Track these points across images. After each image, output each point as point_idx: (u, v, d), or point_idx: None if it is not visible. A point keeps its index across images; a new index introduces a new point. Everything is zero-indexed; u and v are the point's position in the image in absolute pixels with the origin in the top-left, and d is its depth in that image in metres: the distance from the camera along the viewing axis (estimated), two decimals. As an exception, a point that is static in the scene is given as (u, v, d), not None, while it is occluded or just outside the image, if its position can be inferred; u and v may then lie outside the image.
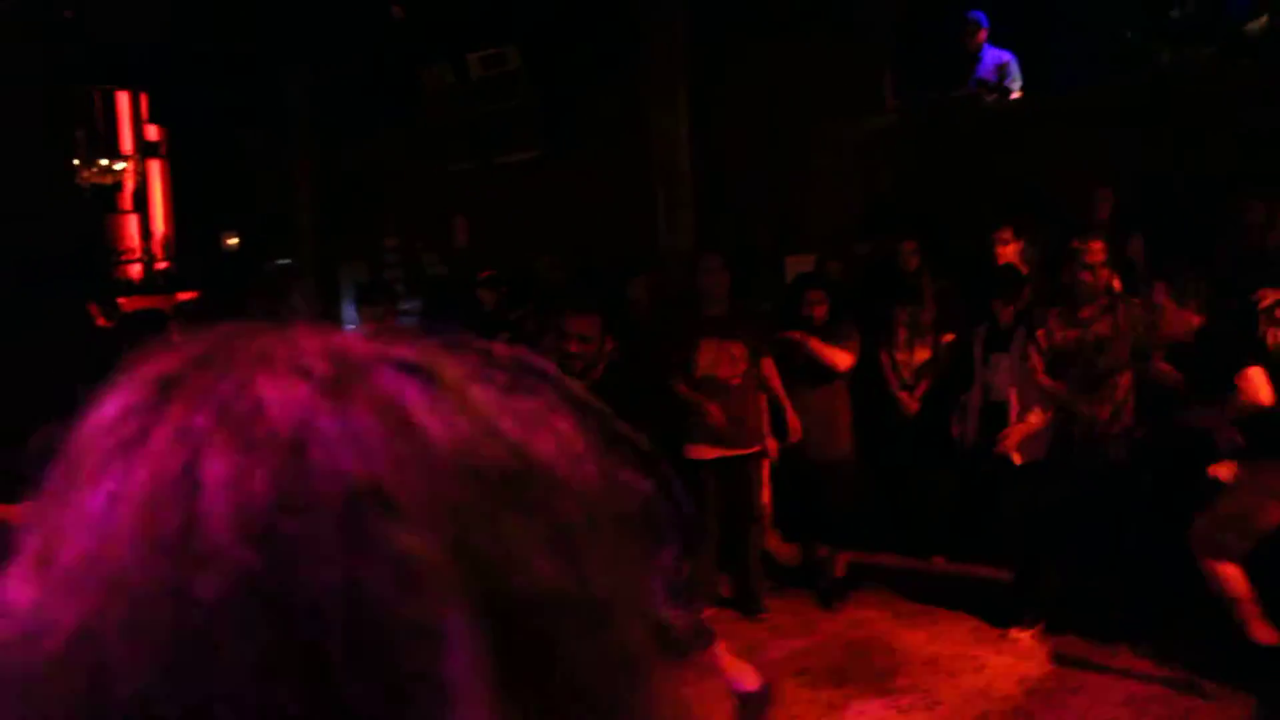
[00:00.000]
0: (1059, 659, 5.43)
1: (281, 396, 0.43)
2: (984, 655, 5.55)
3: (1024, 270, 6.99)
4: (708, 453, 5.98)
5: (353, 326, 5.01)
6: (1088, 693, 5.10)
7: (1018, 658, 5.51)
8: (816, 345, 6.23)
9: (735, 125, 8.66)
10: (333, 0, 9.89)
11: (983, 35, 8.89)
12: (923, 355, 6.90)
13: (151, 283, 13.52)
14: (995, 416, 6.26)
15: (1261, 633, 4.84)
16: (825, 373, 6.31)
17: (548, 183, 10.34)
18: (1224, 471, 5.08)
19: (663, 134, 7.61)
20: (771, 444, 6.20)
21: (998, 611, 5.85)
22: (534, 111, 10.61)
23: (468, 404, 0.46)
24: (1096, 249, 5.68)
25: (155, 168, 13.77)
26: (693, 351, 5.99)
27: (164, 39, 10.39)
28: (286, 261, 13.61)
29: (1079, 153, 7.69)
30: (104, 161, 12.68)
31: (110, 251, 13.31)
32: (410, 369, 0.46)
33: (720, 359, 5.98)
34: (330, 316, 12.00)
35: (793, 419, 6.13)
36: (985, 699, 5.10)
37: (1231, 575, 4.85)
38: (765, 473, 6.33)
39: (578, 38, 9.73)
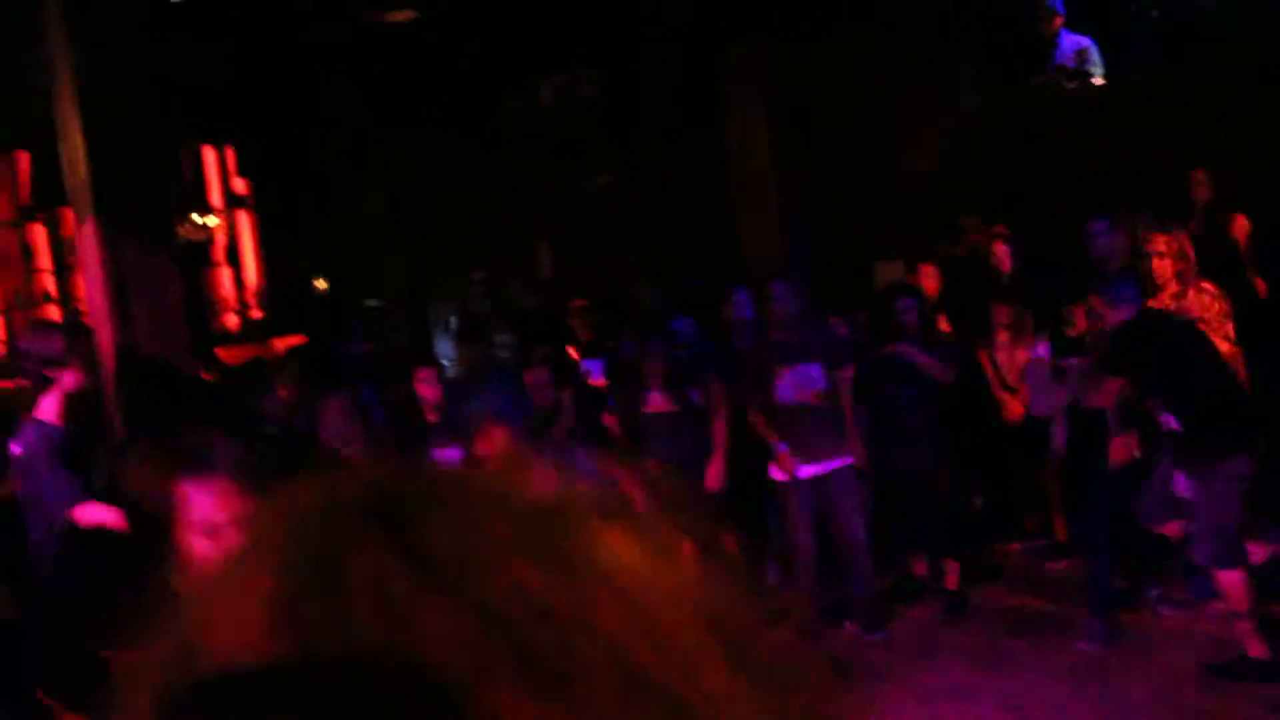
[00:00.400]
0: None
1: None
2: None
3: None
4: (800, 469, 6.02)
5: (449, 362, 5.07)
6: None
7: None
8: (920, 359, 6.18)
9: (814, 132, 8.59)
10: (409, 41, 10.02)
11: (1059, 22, 8.75)
12: (1024, 356, 6.77)
13: (248, 332, 13.79)
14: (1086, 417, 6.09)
15: (1255, 648, 4.97)
16: (920, 381, 6.24)
17: (629, 205, 10.36)
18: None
19: (742, 149, 7.58)
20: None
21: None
22: (611, 134, 10.65)
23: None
24: (1160, 240, 5.74)
25: (244, 219, 14.05)
26: (771, 380, 6.02)
27: (249, 92, 10.63)
28: (375, 302, 13.83)
29: (1169, 135, 7.51)
30: (196, 217, 12.96)
31: (208, 305, 13.60)
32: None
33: (798, 383, 6.00)
34: (422, 354, 12.16)
35: (855, 442, 6.11)
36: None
37: (1235, 585, 4.96)
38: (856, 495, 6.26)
39: (653, 60, 9.75)
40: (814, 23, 8.23)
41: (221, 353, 11.19)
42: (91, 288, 5.57)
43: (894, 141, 8.69)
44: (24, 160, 12.45)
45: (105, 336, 5.44)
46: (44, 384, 4.49)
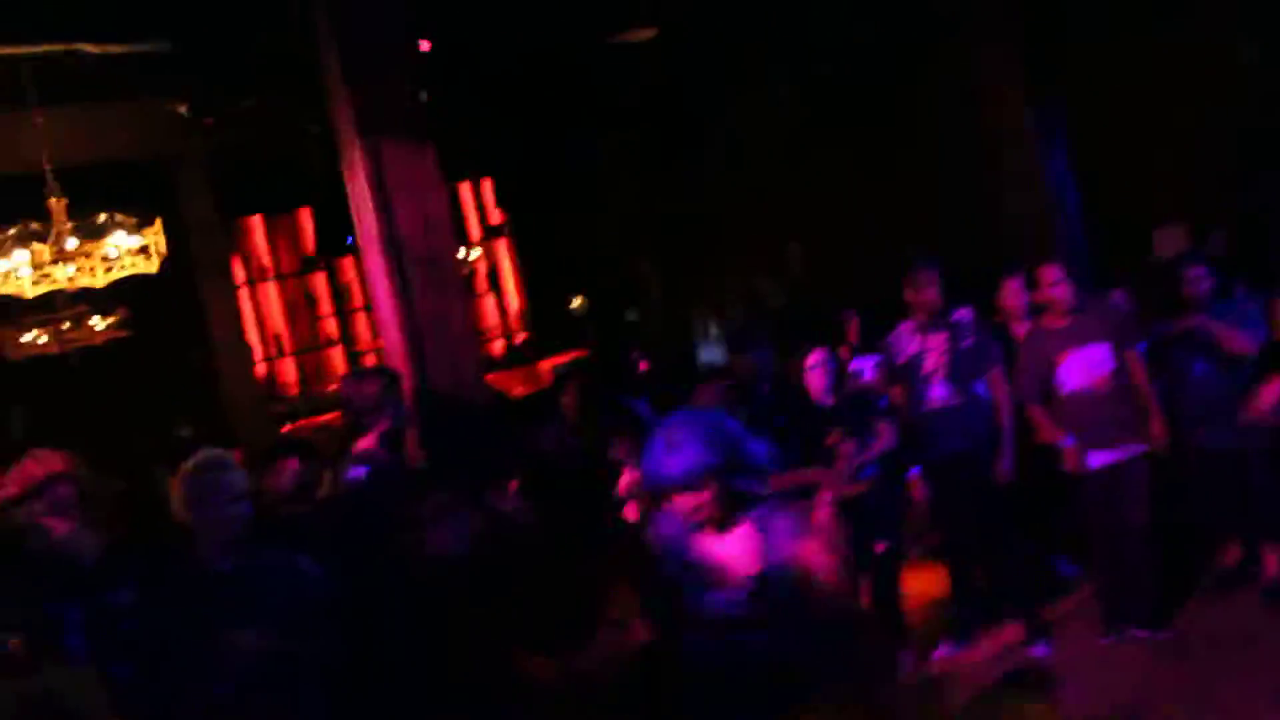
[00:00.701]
0: None
1: None
2: None
3: None
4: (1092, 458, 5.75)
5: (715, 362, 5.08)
6: None
7: None
8: (1218, 330, 5.81)
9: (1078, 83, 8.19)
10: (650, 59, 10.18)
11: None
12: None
13: (514, 356, 14.35)
14: None
15: None
16: (1219, 354, 5.87)
17: (881, 199, 10.21)
18: None
19: (999, 121, 7.30)
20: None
21: None
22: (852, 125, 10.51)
23: None
24: None
25: (502, 248, 14.66)
26: (1052, 369, 5.77)
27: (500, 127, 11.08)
28: (634, 315, 14.14)
29: None
30: (459, 253, 13.62)
31: (476, 334, 14.28)
32: None
33: (1085, 368, 5.73)
34: (686, 363, 12.35)
35: (1156, 423, 5.75)
36: None
37: None
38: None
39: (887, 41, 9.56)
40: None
41: (491, 378, 11.69)
42: (388, 330, 5.91)
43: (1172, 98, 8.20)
44: (306, 216, 13.41)
45: (405, 377, 5.76)
46: (361, 429, 4.80)
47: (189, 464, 3.53)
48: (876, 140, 10.51)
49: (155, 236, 7.91)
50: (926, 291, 6.19)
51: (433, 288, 5.83)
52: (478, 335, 14.17)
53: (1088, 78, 8.27)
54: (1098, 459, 5.77)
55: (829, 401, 6.17)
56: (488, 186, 14.38)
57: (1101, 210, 8.11)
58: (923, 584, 7.36)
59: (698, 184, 12.45)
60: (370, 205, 5.83)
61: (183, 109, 9.17)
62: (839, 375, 6.66)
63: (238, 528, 3.46)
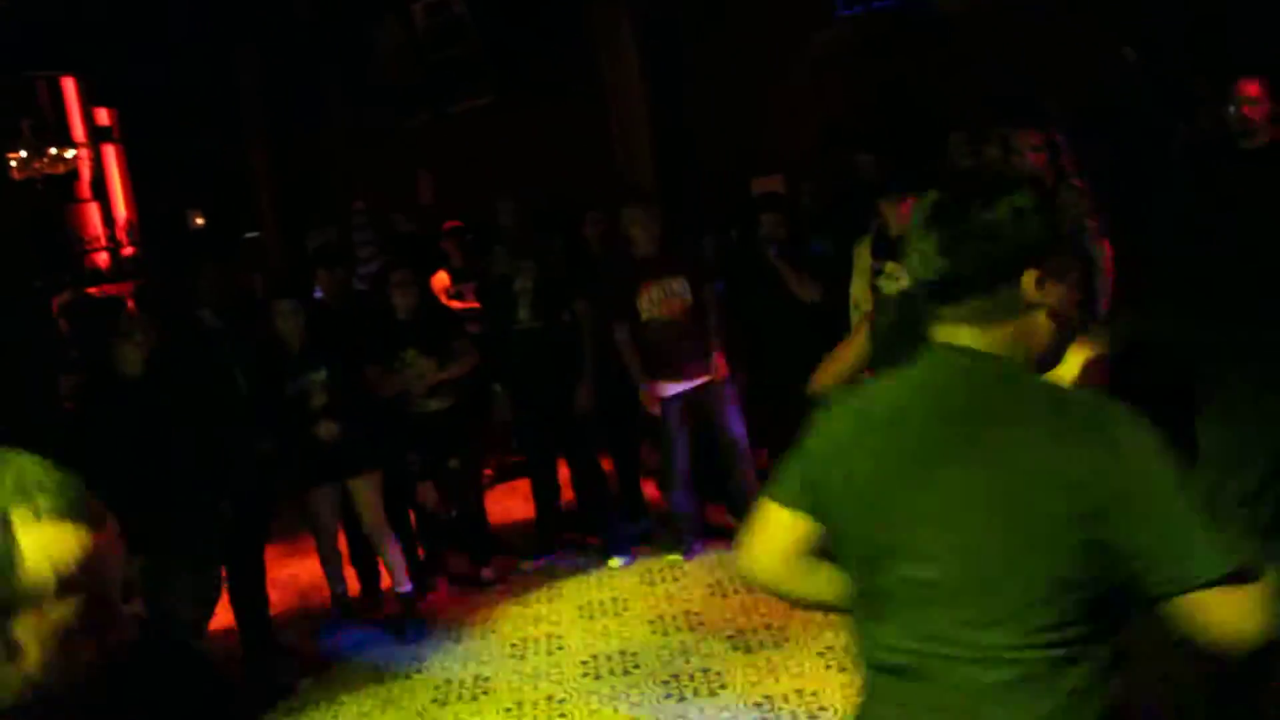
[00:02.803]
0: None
1: None
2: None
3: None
4: (667, 389, 6.04)
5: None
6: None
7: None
8: (787, 271, 6.18)
9: (687, 50, 8.48)
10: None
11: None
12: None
13: (120, 270, 13.37)
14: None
15: None
16: (787, 295, 6.24)
17: (505, 129, 10.20)
18: None
19: (614, 67, 7.45)
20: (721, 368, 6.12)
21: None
22: (484, 57, 10.44)
23: None
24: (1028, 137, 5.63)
25: (111, 153, 13.57)
26: (634, 296, 6.01)
27: (103, 19, 10.19)
28: (254, 234, 13.48)
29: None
30: (54, 150, 12.47)
31: (74, 241, 13.17)
32: None
33: (662, 298, 6.00)
34: (300, 284, 11.90)
35: (719, 356, 6.09)
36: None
37: None
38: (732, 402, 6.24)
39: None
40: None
41: (91, 290, 10.84)
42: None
43: (768, 60, 8.62)
44: None
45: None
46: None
47: None
48: (505, 68, 10.50)
49: None
50: (509, 218, 6.31)
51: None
52: (76, 243, 13.14)
53: (700, 31, 8.55)
54: (675, 387, 6.06)
55: (412, 319, 6.18)
56: (90, 84, 13.23)
57: (709, 161, 8.43)
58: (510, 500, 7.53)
59: (326, 104, 12.01)
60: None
61: None
62: (427, 295, 6.66)
63: None
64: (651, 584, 6.03)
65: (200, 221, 13.97)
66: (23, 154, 11.77)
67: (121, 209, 13.70)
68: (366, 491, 5.91)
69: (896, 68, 8.33)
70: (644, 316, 6.04)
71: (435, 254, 8.60)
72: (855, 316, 5.92)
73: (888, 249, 5.83)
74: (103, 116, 13.36)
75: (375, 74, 11.35)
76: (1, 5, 9.14)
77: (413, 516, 6.60)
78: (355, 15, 10.94)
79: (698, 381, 6.06)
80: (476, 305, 7.35)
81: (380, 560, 6.14)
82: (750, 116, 8.77)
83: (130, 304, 7.66)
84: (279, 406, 5.80)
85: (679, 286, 6.01)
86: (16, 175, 10.98)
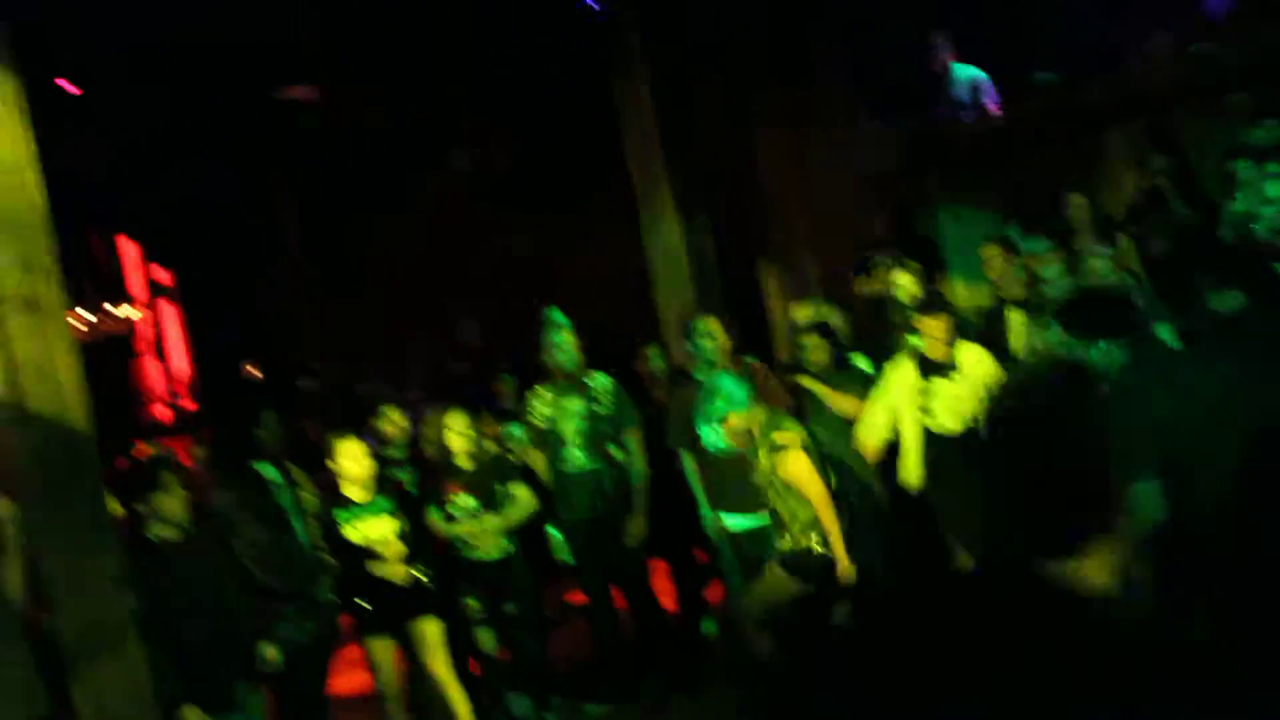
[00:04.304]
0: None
1: None
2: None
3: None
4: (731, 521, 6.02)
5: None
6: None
7: None
8: (823, 391, 6.22)
9: (713, 179, 8.64)
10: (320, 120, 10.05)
11: (948, 58, 8.91)
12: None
13: (181, 423, 13.65)
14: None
15: None
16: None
17: (550, 267, 10.41)
18: None
19: (650, 197, 7.62)
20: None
21: None
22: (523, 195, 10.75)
23: None
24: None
25: (169, 310, 13.97)
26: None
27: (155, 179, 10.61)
28: (309, 383, 13.74)
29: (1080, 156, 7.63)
30: (110, 307, 12.89)
31: (133, 397, 13.49)
32: None
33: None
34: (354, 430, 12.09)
35: None
36: None
37: None
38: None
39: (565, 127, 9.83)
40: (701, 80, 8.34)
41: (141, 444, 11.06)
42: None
43: (793, 191, 8.79)
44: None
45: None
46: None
47: None
48: (553, 214, 10.77)
49: None
50: (554, 354, 6.35)
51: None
52: (136, 398, 13.46)
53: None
54: (738, 521, 5.99)
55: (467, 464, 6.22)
56: (147, 244, 13.69)
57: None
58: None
59: (369, 251, 12.35)
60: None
61: None
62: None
63: None
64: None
65: (255, 372, 14.26)
66: (85, 314, 12.18)
67: (181, 363, 14.04)
68: (429, 638, 5.92)
69: (927, 187, 8.49)
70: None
71: (486, 395, 8.71)
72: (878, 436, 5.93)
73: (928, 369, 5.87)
74: (161, 275, 13.81)
75: (416, 215, 11.67)
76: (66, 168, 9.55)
77: (473, 663, 6.57)
78: (395, 157, 11.27)
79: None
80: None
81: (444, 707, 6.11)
82: (783, 244, 8.91)
83: (184, 458, 7.84)
84: (342, 553, 5.86)
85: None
86: (82, 336, 11.34)
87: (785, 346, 7.59)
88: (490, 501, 6.18)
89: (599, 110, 7.97)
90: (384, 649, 5.91)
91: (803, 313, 7.14)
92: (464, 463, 6.24)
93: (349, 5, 7.76)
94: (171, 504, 5.11)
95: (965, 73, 8.84)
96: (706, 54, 8.50)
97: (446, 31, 8.42)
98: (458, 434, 6.26)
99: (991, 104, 8.76)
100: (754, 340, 7.59)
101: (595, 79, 7.86)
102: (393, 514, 5.90)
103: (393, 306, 12.38)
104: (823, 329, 6.67)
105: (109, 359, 12.91)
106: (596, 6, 7.64)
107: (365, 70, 9.10)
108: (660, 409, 6.58)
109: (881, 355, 6.40)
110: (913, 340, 6.01)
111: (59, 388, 5.49)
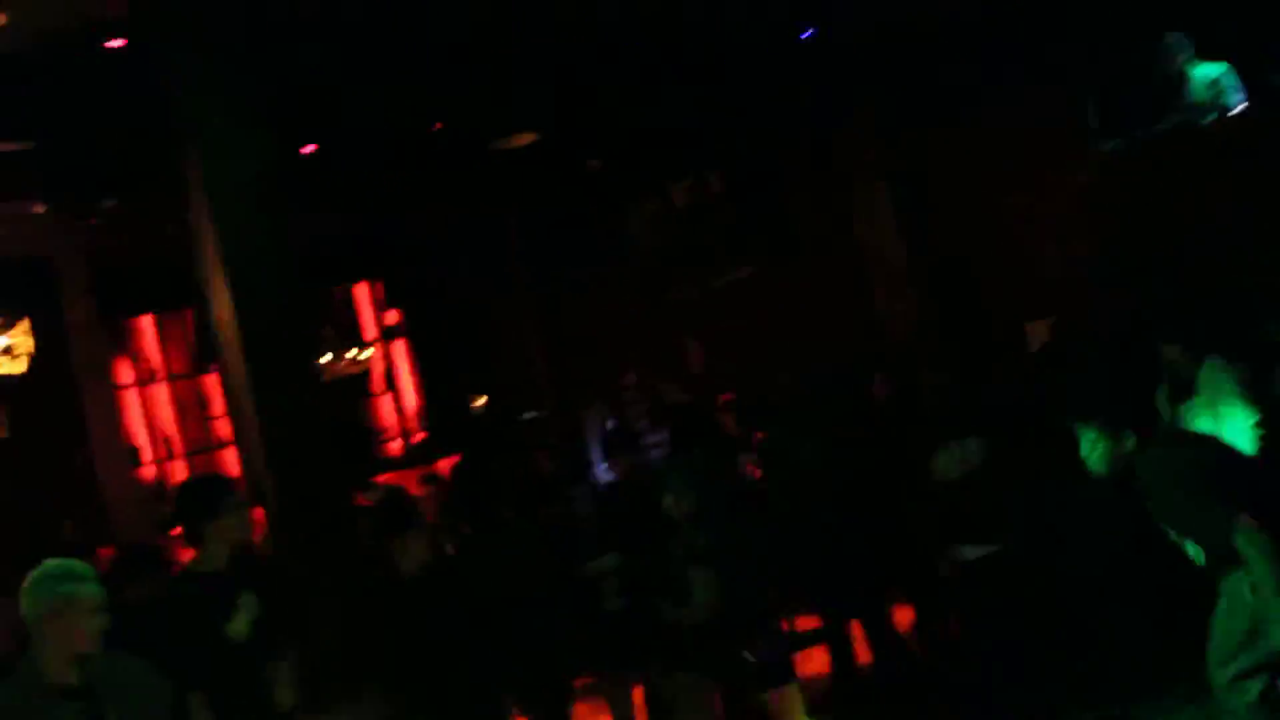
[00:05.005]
0: None
1: None
2: None
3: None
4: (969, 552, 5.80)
5: (603, 469, 5.04)
6: None
7: None
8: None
9: (941, 203, 8.45)
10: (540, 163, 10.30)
11: (1187, 56, 8.42)
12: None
13: (411, 456, 14.14)
14: None
15: None
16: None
17: (767, 297, 10.35)
18: None
19: (869, 228, 7.50)
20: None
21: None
22: (742, 230, 10.72)
23: None
24: None
25: (399, 348, 14.53)
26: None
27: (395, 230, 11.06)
28: (532, 414, 14.05)
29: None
30: (352, 353, 13.46)
31: (369, 433, 14.04)
32: None
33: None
34: (578, 463, 12.29)
35: None
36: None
37: None
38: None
39: (770, 153, 9.80)
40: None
41: (389, 478, 11.53)
42: (248, 433, 5.80)
43: (1030, 200, 8.45)
44: (190, 316, 13.17)
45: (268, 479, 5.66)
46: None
47: (37, 572, 3.40)
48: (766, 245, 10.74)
49: (21, 337, 7.77)
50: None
51: (292, 389, 5.73)
52: (371, 433, 14.03)
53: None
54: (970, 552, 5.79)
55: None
56: (380, 287, 14.28)
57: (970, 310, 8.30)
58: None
59: (592, 282, 12.55)
60: (229, 312, 5.74)
61: (41, 208, 9.01)
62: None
63: (91, 641, 3.34)
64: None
65: (481, 402, 14.66)
66: (329, 358, 12.79)
67: (411, 398, 14.57)
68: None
69: (1163, 196, 8.03)
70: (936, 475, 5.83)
71: (709, 424, 8.71)
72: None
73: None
74: (391, 316, 14.38)
75: (636, 250, 11.80)
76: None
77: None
78: (615, 196, 11.46)
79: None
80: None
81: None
82: (1013, 262, 8.60)
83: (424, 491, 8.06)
84: (573, 592, 5.89)
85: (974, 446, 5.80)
86: (326, 379, 11.92)
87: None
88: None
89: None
90: (619, 693, 5.91)
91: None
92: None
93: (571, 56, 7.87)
94: (418, 543, 5.20)
95: (1204, 71, 8.34)
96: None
97: (660, 69, 8.50)
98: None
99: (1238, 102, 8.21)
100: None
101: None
102: (623, 553, 5.91)
103: (613, 340, 12.55)
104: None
105: (347, 397, 13.53)
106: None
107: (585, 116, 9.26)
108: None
109: None
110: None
111: (307, 431, 5.79)
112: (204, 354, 12.61)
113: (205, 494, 4.88)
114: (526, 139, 9.48)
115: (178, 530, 9.06)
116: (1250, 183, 7.55)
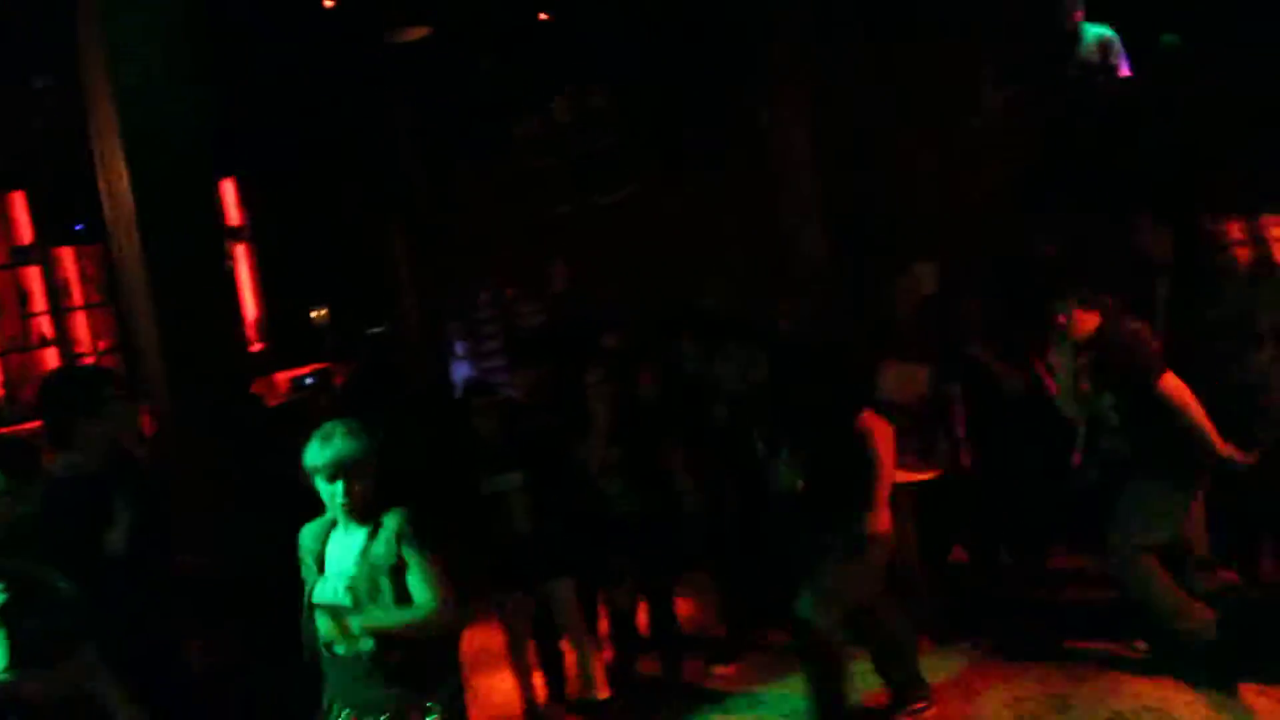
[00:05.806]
0: None
1: None
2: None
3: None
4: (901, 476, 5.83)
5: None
6: None
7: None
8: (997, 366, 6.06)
9: (850, 133, 8.39)
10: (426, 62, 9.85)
11: (1079, 15, 8.63)
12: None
13: (251, 366, 13.51)
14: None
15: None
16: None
17: (650, 219, 10.18)
18: None
19: (786, 150, 7.39)
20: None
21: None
22: (627, 148, 10.52)
23: None
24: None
25: (240, 252, 13.78)
26: (875, 374, 5.84)
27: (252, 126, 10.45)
28: (380, 329, 13.61)
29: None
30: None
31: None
32: None
33: (904, 381, 5.82)
34: (439, 379, 11.98)
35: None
36: None
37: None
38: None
39: (667, 68, 9.60)
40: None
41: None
42: (144, 323, 5.34)
43: (933, 141, 8.51)
44: (19, 201, 12.16)
45: (158, 372, 5.25)
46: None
47: None
48: (648, 160, 10.55)
49: None
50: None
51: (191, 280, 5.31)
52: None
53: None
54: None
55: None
56: (230, 186, 13.48)
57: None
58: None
59: (457, 196, 12.17)
60: (126, 189, 5.24)
61: None
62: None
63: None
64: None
65: (321, 314, 14.10)
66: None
67: (251, 307, 13.88)
68: (565, 597, 5.83)
69: (1055, 150, 8.22)
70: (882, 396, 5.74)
71: (566, 345, 8.45)
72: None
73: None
74: (234, 217, 13.59)
75: (514, 166, 11.48)
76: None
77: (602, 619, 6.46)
78: (496, 110, 11.09)
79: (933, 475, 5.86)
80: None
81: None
82: (904, 201, 8.66)
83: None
84: (474, 507, 5.74)
85: (921, 373, 5.82)
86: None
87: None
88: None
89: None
90: (517, 606, 5.85)
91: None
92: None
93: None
94: None
95: (1093, 31, 8.57)
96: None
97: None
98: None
99: (1123, 66, 8.48)
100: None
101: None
102: (526, 470, 5.81)
103: (481, 258, 12.22)
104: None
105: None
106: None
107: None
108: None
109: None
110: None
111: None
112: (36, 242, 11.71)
113: (81, 388, 4.52)
114: (420, 33, 9.04)
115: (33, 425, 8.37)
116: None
